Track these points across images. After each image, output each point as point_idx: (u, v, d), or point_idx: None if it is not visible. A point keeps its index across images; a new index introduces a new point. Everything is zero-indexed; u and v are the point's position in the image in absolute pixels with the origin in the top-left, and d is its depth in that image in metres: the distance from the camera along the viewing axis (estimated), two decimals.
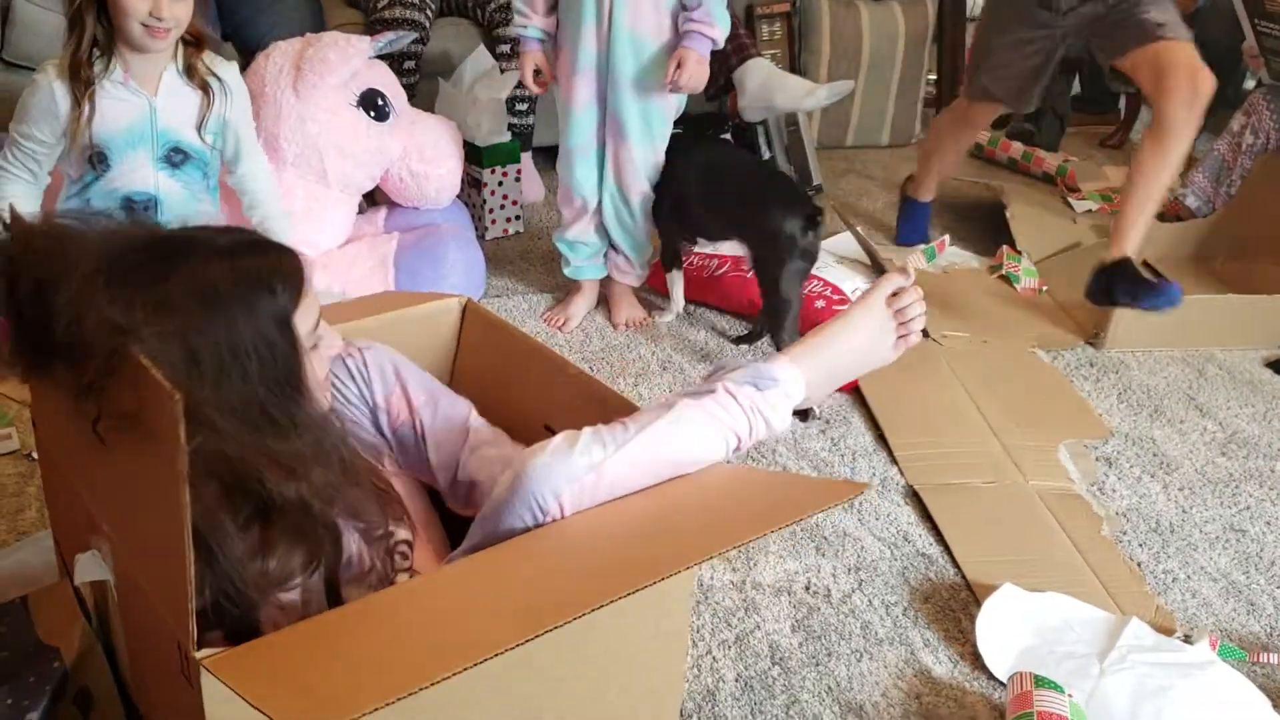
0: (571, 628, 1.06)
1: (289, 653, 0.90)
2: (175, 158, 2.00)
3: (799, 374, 1.24)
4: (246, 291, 1.00)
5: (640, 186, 2.30)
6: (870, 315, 1.30)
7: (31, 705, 1.16)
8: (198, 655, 0.86)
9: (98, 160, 1.94)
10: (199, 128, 2.00)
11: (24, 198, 1.95)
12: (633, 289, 2.48)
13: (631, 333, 2.42)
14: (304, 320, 1.06)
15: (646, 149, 2.27)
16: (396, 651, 0.90)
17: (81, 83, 1.87)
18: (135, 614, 1.06)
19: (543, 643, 1.05)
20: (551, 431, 1.43)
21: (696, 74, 2.15)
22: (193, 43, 1.95)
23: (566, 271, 2.43)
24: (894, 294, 1.31)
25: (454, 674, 0.85)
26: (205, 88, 1.98)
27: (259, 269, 1.02)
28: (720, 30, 2.15)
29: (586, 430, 1.12)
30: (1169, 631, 1.60)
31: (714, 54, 2.20)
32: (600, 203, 2.34)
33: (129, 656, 1.14)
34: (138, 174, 1.97)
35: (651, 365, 2.29)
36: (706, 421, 1.17)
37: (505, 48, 2.93)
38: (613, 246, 2.42)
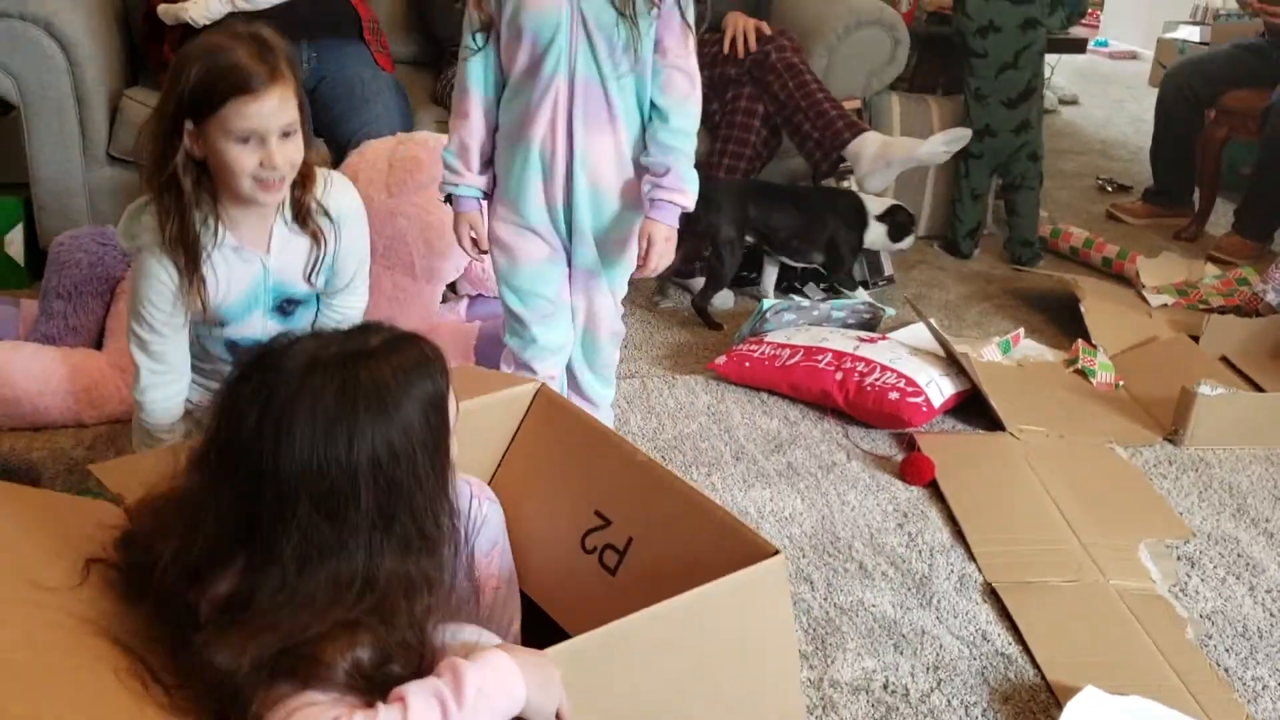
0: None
1: None
2: (288, 307, 1.86)
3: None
4: (410, 385, 1.08)
5: (612, 325, 2.06)
6: None
7: None
8: None
9: (214, 323, 1.82)
10: (308, 275, 1.81)
11: (164, 398, 1.79)
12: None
13: (704, 422, 2.44)
14: (450, 402, 1.14)
15: (616, 292, 2.03)
16: None
17: (190, 258, 1.66)
18: None
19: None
20: (601, 517, 1.45)
21: (667, 252, 1.88)
22: (300, 182, 1.72)
23: None
24: None
25: None
26: (316, 235, 1.78)
27: (416, 362, 1.10)
28: (692, 194, 1.85)
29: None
30: None
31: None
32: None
33: None
34: (250, 328, 1.82)
35: (725, 456, 2.30)
36: None
37: None
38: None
